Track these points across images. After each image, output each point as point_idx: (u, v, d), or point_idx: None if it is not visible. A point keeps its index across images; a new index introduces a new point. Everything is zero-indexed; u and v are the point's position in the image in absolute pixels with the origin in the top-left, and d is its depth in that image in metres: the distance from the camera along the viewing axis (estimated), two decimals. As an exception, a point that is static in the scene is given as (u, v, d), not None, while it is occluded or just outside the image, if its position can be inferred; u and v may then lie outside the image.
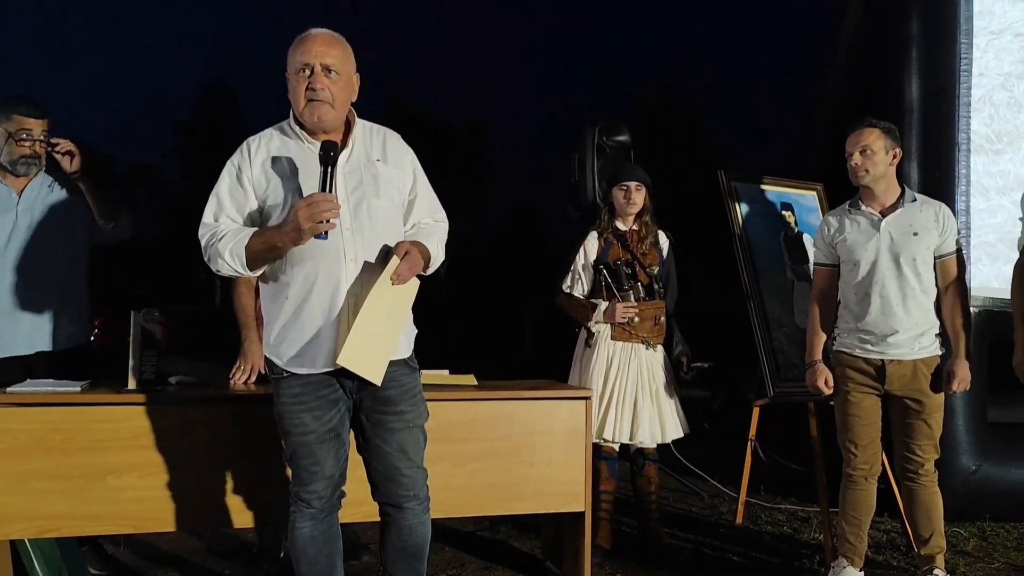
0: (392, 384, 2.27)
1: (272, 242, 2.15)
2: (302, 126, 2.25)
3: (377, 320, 2.20)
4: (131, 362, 2.72)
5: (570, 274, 3.66)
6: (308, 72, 2.18)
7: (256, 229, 2.21)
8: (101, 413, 2.66)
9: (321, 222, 2.08)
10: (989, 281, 4.22)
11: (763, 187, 3.98)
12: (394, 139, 2.40)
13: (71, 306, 3.12)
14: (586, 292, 3.64)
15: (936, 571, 2.97)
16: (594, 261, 3.61)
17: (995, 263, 4.28)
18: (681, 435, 3.63)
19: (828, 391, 3.11)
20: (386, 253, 2.23)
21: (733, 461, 4.52)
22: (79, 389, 2.73)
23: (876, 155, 2.99)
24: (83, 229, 3.18)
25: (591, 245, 3.64)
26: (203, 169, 29.58)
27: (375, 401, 2.27)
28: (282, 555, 3.21)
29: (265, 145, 2.27)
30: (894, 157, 3.03)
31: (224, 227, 2.22)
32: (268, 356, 2.30)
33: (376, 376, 2.21)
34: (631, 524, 3.86)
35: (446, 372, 3.15)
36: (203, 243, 2.23)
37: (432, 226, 2.42)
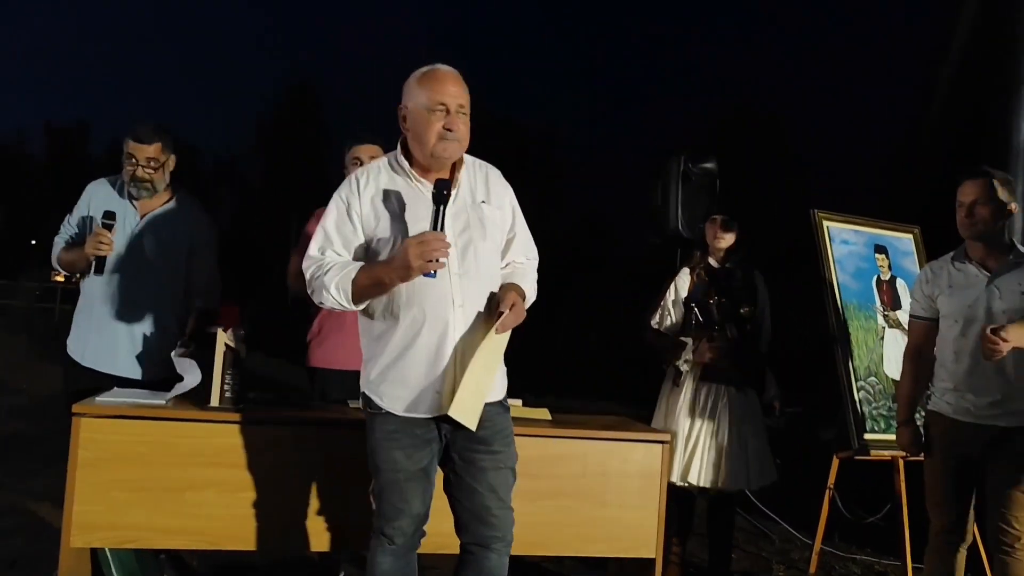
0: (487, 424, 2.25)
1: (380, 278, 2.16)
2: (411, 162, 2.26)
3: (481, 368, 2.20)
4: (214, 380, 2.76)
5: (660, 310, 3.59)
6: (444, 112, 2.20)
7: (363, 264, 2.21)
8: (184, 428, 2.70)
9: (431, 260, 2.08)
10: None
11: (856, 227, 3.84)
12: (496, 177, 2.40)
13: (165, 337, 3.12)
14: (676, 329, 3.56)
15: None
16: (684, 299, 3.53)
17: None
18: (768, 482, 3.52)
19: (917, 452, 2.97)
20: (491, 301, 2.24)
21: (805, 506, 4.38)
22: (164, 403, 2.79)
23: (989, 207, 2.84)
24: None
25: (682, 281, 3.57)
26: (283, 166, 30.31)
27: (469, 440, 2.26)
28: (341, 574, 3.23)
29: (374, 180, 2.27)
30: (1010, 212, 2.88)
31: (330, 260, 2.23)
32: (366, 392, 2.30)
33: (474, 423, 2.21)
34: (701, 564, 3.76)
35: (519, 402, 3.12)
36: (308, 275, 2.25)
37: (526, 265, 2.43)
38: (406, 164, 2.27)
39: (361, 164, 3.43)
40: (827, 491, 4.06)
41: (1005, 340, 2.53)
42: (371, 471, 2.30)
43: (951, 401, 2.90)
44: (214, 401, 2.76)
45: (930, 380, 3.02)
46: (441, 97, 2.19)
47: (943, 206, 3.04)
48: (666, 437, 3.04)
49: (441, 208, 2.14)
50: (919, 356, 3.04)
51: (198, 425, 2.71)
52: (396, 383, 2.23)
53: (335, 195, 2.29)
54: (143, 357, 3.09)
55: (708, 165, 4.95)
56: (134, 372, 3.08)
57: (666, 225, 4.84)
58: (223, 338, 2.78)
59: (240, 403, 2.79)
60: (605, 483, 2.95)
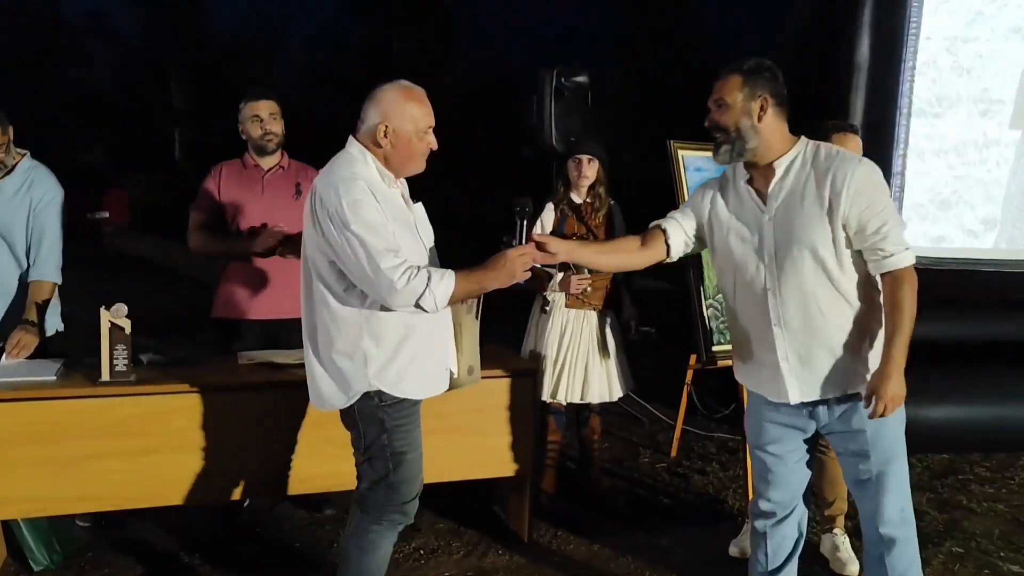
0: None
1: (484, 286, 2.38)
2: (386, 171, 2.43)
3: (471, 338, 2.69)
4: (102, 357, 2.88)
5: None
6: (430, 133, 2.41)
7: (455, 272, 2.34)
8: (77, 405, 2.84)
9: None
10: (917, 240, 4.46)
11: (709, 155, 4.08)
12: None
13: (15, 306, 3.22)
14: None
15: (835, 530, 3.37)
16: (549, 233, 3.77)
17: (923, 222, 4.54)
18: (626, 392, 3.93)
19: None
20: None
21: (672, 387, 4.86)
22: (54, 377, 2.91)
23: None
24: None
25: (547, 217, 3.79)
26: (161, 21, 27.94)
27: None
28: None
29: (375, 188, 2.35)
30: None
31: (412, 261, 2.30)
32: (383, 389, 2.38)
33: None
34: (574, 470, 4.22)
35: None
36: (404, 281, 2.25)
37: None
38: (389, 175, 2.42)
39: (262, 121, 3.48)
40: (685, 386, 4.56)
41: None
42: (382, 459, 2.43)
43: None
44: (104, 376, 2.89)
45: None
46: (430, 120, 2.40)
47: (791, 123, 3.30)
48: (536, 367, 3.39)
49: (524, 223, 2.45)
50: None
51: (92, 401, 2.85)
52: (422, 372, 2.45)
53: (357, 194, 2.29)
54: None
55: (580, 79, 5.10)
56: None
57: (540, 141, 5.03)
58: (107, 316, 2.88)
59: (132, 375, 2.92)
60: (483, 416, 3.28)
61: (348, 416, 2.45)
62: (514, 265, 2.35)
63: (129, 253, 14.83)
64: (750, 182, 2.48)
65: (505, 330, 3.96)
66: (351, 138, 2.44)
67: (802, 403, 2.49)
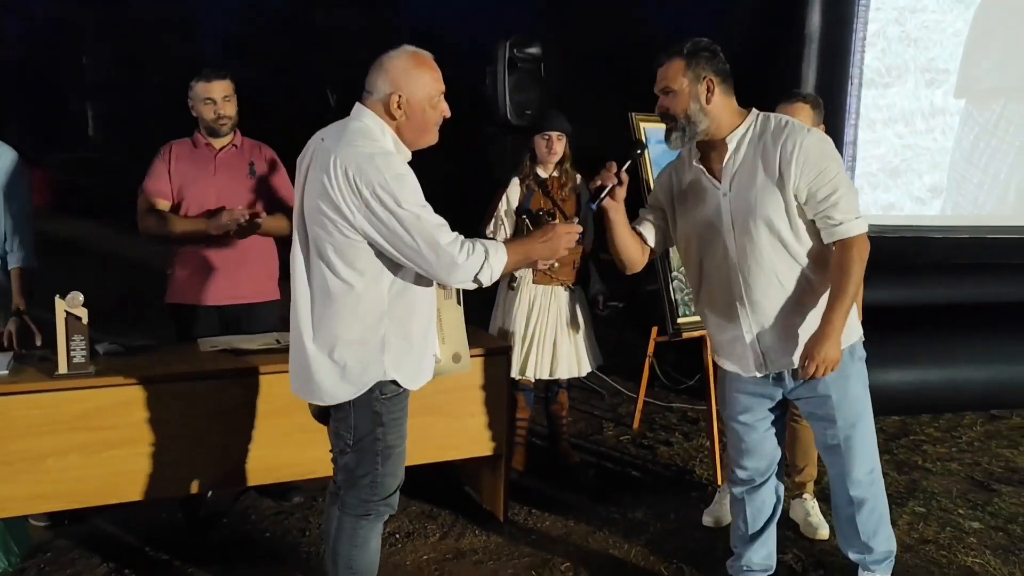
0: None
1: (531, 257, 2.35)
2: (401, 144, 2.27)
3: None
4: (59, 348, 2.73)
5: (493, 220, 3.76)
6: (442, 100, 2.27)
7: (503, 244, 2.27)
8: (33, 400, 2.69)
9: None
10: (869, 208, 4.57)
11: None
12: None
13: None
14: (508, 237, 3.77)
15: (805, 496, 3.44)
16: (516, 208, 3.72)
17: (875, 191, 4.63)
18: (594, 368, 3.93)
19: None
20: None
21: (632, 368, 4.92)
22: (6, 372, 2.75)
23: None
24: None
25: (513, 192, 3.74)
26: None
27: None
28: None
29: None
30: None
31: (463, 236, 2.20)
32: (398, 380, 2.27)
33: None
34: (543, 445, 4.21)
35: None
36: (464, 256, 2.16)
37: None
38: (405, 148, 2.27)
39: (215, 104, 3.31)
40: (647, 359, 4.59)
41: None
42: (371, 453, 2.30)
43: None
44: (62, 368, 2.75)
45: None
46: (440, 86, 2.26)
47: (745, 102, 3.32)
48: (508, 345, 3.34)
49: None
50: None
51: (48, 395, 2.71)
52: (421, 360, 2.34)
53: (399, 167, 2.15)
54: None
55: (533, 50, 5.02)
56: None
57: (496, 113, 4.95)
58: (62, 305, 2.73)
59: (91, 367, 2.78)
60: (457, 397, 3.23)
61: (342, 408, 2.28)
62: (560, 240, 2.31)
63: (52, 236, 14.21)
64: (702, 160, 2.49)
65: (473, 306, 3.91)
66: (362, 108, 2.25)
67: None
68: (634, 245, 2.60)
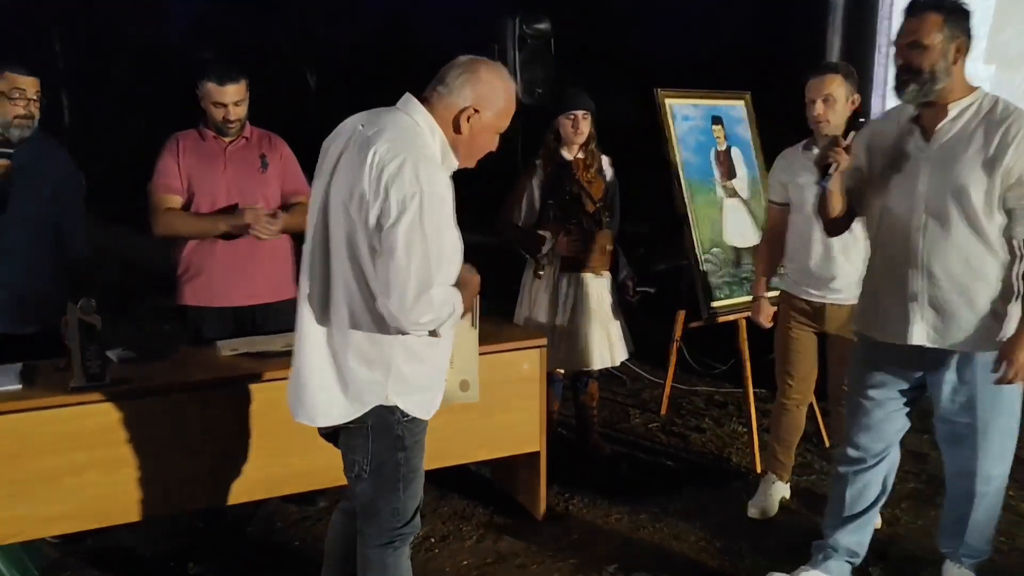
0: None
1: (465, 308, 2.19)
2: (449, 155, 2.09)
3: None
4: (74, 359, 2.56)
5: (515, 206, 3.59)
6: (498, 136, 2.14)
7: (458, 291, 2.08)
8: (49, 416, 2.52)
9: None
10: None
11: (695, 101, 3.94)
12: None
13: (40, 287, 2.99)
14: (533, 222, 3.60)
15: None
16: (540, 192, 3.55)
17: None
18: (627, 357, 3.78)
19: (768, 326, 3.28)
20: None
21: (651, 343, 4.74)
22: (19, 385, 2.57)
23: (838, 103, 3.00)
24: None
25: (537, 176, 3.57)
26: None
27: None
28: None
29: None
30: (852, 104, 3.05)
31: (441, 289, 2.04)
32: (399, 407, 2.07)
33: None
34: (570, 438, 4.06)
35: None
36: (426, 322, 1.97)
37: None
38: (451, 159, 2.06)
39: (226, 108, 3.12)
40: (674, 343, 4.44)
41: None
42: (392, 479, 2.13)
43: (798, 280, 3.18)
44: (78, 381, 2.57)
45: (782, 260, 3.28)
46: (507, 125, 2.11)
47: (771, 73, 3.17)
48: (543, 341, 3.17)
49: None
50: (774, 239, 3.26)
51: (64, 410, 2.53)
52: (436, 390, 2.17)
53: (433, 182, 1.92)
54: (17, 310, 2.95)
55: (542, 26, 4.84)
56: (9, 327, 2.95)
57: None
58: (76, 313, 2.54)
59: (107, 376, 2.61)
60: (489, 393, 3.05)
61: (354, 431, 2.08)
62: (473, 287, 2.16)
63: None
64: (917, 120, 2.42)
65: (492, 295, 3.75)
66: (415, 103, 2.03)
67: (919, 348, 2.43)
68: (846, 209, 2.58)
